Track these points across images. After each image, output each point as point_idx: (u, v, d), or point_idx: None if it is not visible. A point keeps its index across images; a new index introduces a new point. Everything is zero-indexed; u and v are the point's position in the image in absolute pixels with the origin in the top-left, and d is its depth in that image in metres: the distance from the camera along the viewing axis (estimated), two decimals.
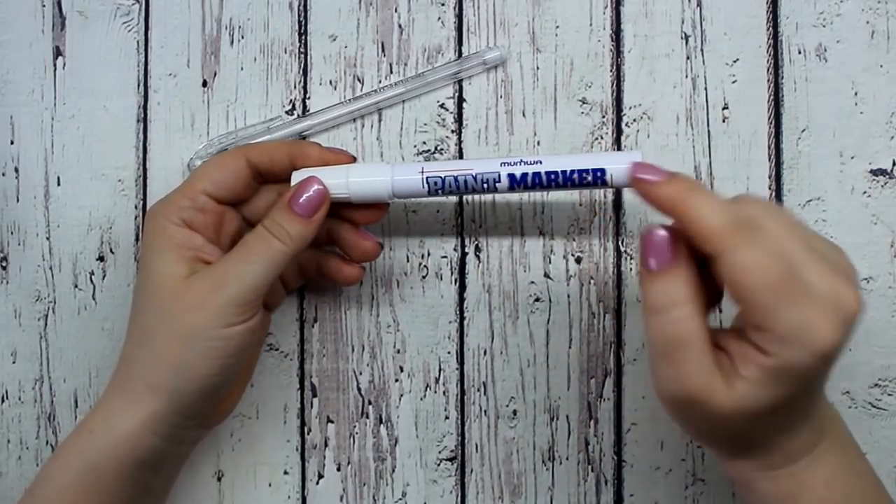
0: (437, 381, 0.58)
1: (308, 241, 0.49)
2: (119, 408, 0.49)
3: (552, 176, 0.49)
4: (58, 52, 0.59)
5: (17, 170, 0.59)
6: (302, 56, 0.58)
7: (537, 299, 0.57)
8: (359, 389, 0.58)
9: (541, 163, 0.49)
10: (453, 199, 0.57)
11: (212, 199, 0.51)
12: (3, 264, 0.59)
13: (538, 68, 0.57)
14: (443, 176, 0.50)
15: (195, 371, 0.48)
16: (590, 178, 0.49)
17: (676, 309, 0.42)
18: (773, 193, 0.56)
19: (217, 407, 0.52)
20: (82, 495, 0.48)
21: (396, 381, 0.58)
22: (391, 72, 0.58)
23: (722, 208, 0.41)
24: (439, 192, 0.51)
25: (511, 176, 0.50)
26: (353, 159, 0.52)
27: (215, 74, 0.58)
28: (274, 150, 0.51)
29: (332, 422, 0.58)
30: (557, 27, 0.57)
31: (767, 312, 0.40)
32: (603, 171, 0.48)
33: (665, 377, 0.42)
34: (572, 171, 0.49)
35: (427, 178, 0.50)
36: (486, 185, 0.50)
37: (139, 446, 0.48)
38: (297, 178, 0.51)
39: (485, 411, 0.57)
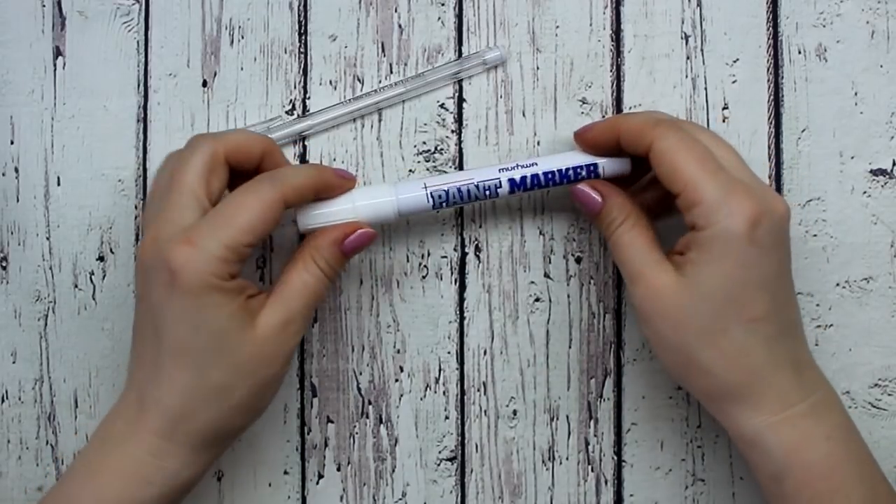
0: (437, 381, 0.58)
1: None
2: (181, 462, 0.48)
3: (549, 175, 0.52)
4: (58, 52, 0.59)
5: (17, 170, 0.59)
6: (302, 56, 0.58)
7: (537, 299, 0.57)
8: (359, 389, 0.58)
9: (536, 164, 0.52)
10: None
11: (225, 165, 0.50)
12: (3, 264, 0.59)
13: (538, 68, 0.57)
14: (446, 189, 0.52)
15: (258, 410, 0.50)
16: (584, 172, 0.52)
17: (619, 226, 0.50)
18: None
19: (238, 424, 0.52)
20: None
21: (396, 381, 0.58)
22: (391, 72, 0.58)
23: (647, 115, 0.52)
24: (444, 204, 0.52)
25: (511, 181, 0.52)
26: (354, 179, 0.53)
27: (215, 74, 0.58)
28: (305, 190, 0.50)
29: (332, 422, 0.58)
30: (557, 27, 0.57)
31: (696, 184, 0.46)
32: (595, 164, 0.52)
33: (629, 286, 0.49)
34: (567, 169, 0.52)
35: (431, 192, 0.52)
36: (488, 193, 0.52)
37: (166, 484, 0.48)
38: (304, 218, 0.51)
39: (485, 411, 0.58)
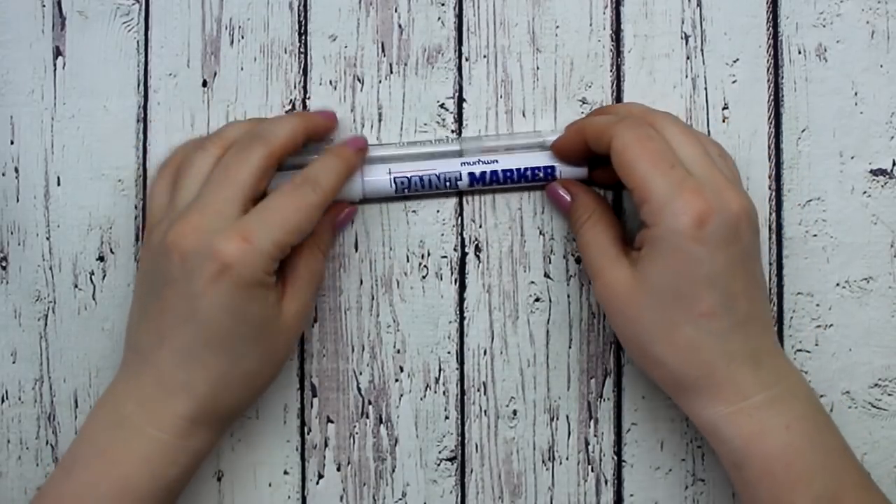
0: (437, 381, 0.58)
1: None
2: (204, 441, 0.51)
3: (507, 173, 0.55)
4: (58, 52, 0.59)
5: (17, 170, 0.59)
6: (302, 56, 0.58)
7: (537, 299, 0.57)
8: (359, 389, 0.58)
9: (497, 162, 0.55)
10: (453, 199, 0.57)
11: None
12: (3, 264, 0.59)
13: (538, 68, 0.57)
14: (409, 176, 0.55)
15: (265, 390, 0.54)
16: (541, 174, 0.55)
17: (583, 224, 0.53)
18: (773, 193, 0.56)
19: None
20: None
21: (396, 381, 0.58)
22: (391, 72, 0.58)
23: (614, 112, 0.54)
24: (405, 190, 0.56)
25: (471, 174, 0.55)
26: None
27: (215, 74, 0.58)
28: (336, 191, 0.53)
29: (332, 422, 0.58)
30: (557, 27, 0.57)
31: (645, 182, 0.47)
32: (553, 167, 0.55)
33: (591, 281, 0.51)
34: (526, 169, 0.55)
35: (394, 178, 0.55)
36: (448, 184, 0.56)
37: (181, 465, 0.50)
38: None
39: (485, 411, 0.58)
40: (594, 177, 0.55)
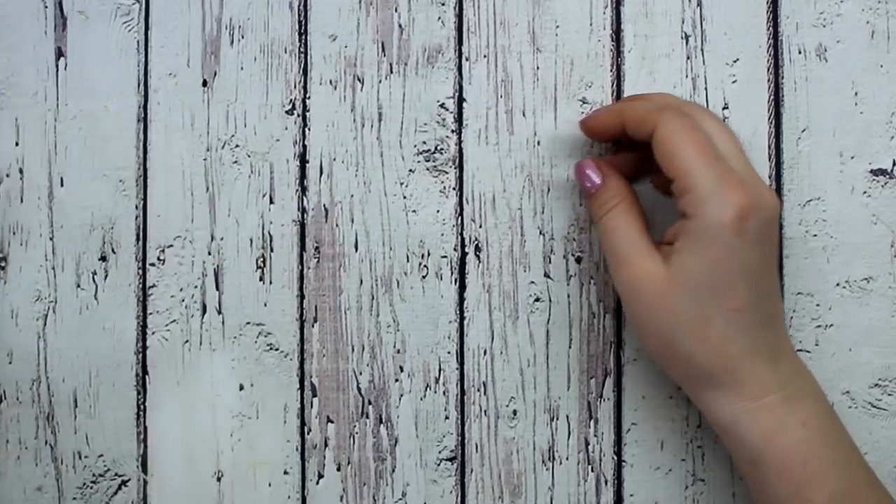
0: (437, 381, 0.58)
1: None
2: None
3: None
4: (60, 53, 0.59)
5: (21, 171, 0.59)
6: (302, 56, 0.58)
7: (537, 299, 0.57)
8: (359, 389, 0.58)
9: None
10: (453, 199, 0.57)
11: None
12: (2, 265, 0.59)
13: (538, 68, 0.57)
14: None
15: None
16: None
17: (610, 210, 0.51)
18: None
19: None
20: None
21: (396, 381, 0.58)
22: (391, 71, 0.58)
23: (653, 99, 0.52)
24: None
25: None
26: None
27: (215, 74, 0.58)
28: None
29: (332, 422, 0.58)
30: (557, 27, 0.57)
31: (691, 172, 0.47)
32: None
33: (614, 271, 0.50)
34: None
35: None
36: None
37: None
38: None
39: (485, 411, 0.57)
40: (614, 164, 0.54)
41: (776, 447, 0.47)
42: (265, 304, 0.58)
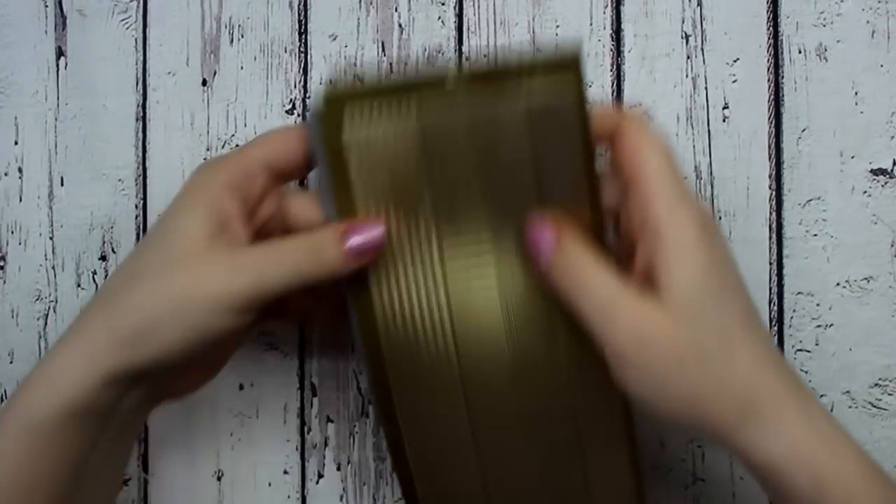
0: None
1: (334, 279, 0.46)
2: (76, 352, 0.44)
3: None
4: (60, 52, 0.59)
5: (20, 170, 0.59)
6: (302, 55, 0.58)
7: None
8: (359, 389, 0.58)
9: None
10: None
11: (264, 172, 0.46)
12: (1, 264, 0.59)
13: None
14: None
15: (165, 337, 0.43)
16: None
17: (575, 272, 0.44)
18: (774, 193, 0.56)
19: (180, 381, 0.49)
20: (21, 458, 0.43)
21: None
22: (391, 71, 0.58)
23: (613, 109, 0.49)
24: None
25: None
26: None
27: (215, 73, 0.58)
28: None
29: (332, 421, 0.58)
30: (557, 27, 0.57)
31: (661, 177, 0.43)
32: None
33: (601, 332, 0.43)
34: None
35: None
36: None
37: (88, 391, 0.43)
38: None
39: None
40: None
41: (837, 475, 0.41)
42: None
